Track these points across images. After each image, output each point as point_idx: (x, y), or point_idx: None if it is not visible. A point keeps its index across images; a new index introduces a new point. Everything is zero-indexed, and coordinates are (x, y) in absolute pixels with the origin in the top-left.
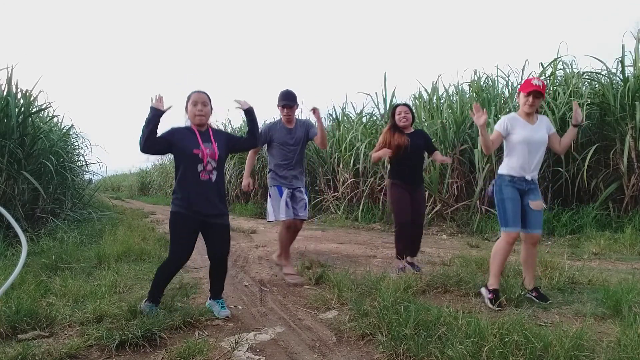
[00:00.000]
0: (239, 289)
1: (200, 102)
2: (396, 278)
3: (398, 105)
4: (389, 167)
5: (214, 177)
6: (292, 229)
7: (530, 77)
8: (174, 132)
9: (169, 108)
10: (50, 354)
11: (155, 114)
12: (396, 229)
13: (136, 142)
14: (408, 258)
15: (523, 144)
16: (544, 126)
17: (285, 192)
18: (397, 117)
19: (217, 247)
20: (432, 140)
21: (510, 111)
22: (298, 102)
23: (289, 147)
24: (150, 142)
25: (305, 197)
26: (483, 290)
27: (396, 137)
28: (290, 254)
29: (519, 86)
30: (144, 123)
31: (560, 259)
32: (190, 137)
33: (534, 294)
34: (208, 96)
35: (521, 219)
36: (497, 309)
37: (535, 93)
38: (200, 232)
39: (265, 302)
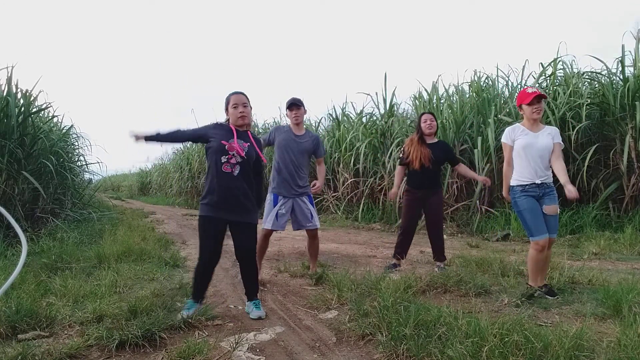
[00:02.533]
0: (239, 288)
1: (241, 104)
2: (396, 278)
3: (424, 113)
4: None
5: (236, 171)
6: (268, 238)
7: (524, 87)
8: (215, 126)
9: (139, 134)
10: (50, 354)
11: (147, 140)
12: (400, 235)
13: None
14: (436, 263)
15: (524, 150)
16: (547, 134)
17: (281, 202)
18: (423, 125)
19: (240, 242)
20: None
21: (510, 111)
22: (305, 107)
23: (293, 153)
24: (175, 142)
25: (311, 206)
26: (537, 294)
27: (420, 149)
28: (263, 262)
29: (516, 101)
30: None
31: (560, 259)
32: (227, 133)
33: (544, 290)
34: (246, 96)
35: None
36: (555, 298)
37: (537, 97)
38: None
39: (265, 302)
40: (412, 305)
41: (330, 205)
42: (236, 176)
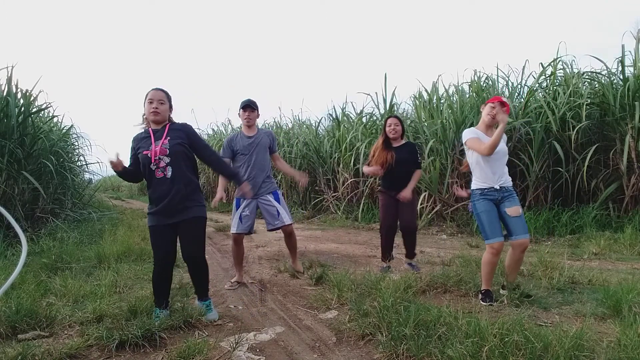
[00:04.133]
0: (239, 289)
1: (156, 100)
2: (396, 278)
3: (389, 117)
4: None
5: (169, 173)
6: (239, 243)
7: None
8: (135, 140)
9: (121, 161)
10: (50, 354)
11: (117, 172)
12: (381, 232)
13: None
14: (406, 260)
15: (481, 155)
16: (503, 140)
17: (243, 204)
18: (387, 128)
19: (184, 248)
20: (420, 154)
21: (510, 111)
22: (259, 112)
23: (245, 156)
24: (130, 177)
25: (276, 203)
26: (480, 296)
27: (383, 153)
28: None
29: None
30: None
31: (560, 259)
32: (145, 140)
33: (484, 294)
34: (166, 93)
35: (505, 228)
36: (489, 304)
37: (501, 103)
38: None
39: (265, 302)
40: (412, 305)
41: (330, 205)
42: (170, 178)
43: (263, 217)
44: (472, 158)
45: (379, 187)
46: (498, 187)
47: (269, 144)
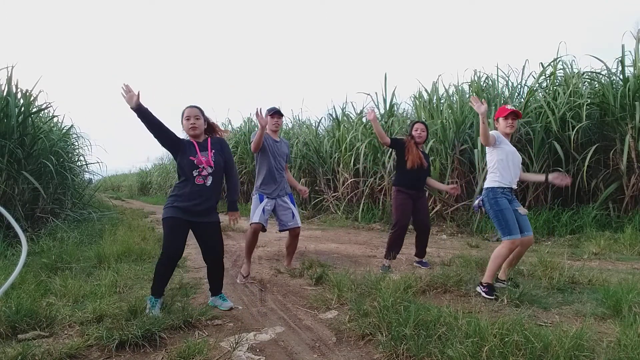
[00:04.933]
0: (239, 289)
1: (193, 116)
2: (396, 278)
3: (417, 122)
4: (394, 173)
5: (209, 182)
6: (257, 233)
7: (503, 104)
8: (183, 141)
9: (139, 93)
10: (50, 354)
11: (135, 110)
12: (396, 230)
13: (136, 142)
14: (417, 259)
15: (510, 157)
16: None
17: (265, 200)
18: (414, 132)
19: (210, 249)
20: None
21: None
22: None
23: (274, 157)
24: (156, 133)
25: (292, 205)
26: (478, 289)
27: (417, 151)
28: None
29: (495, 114)
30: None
31: (560, 259)
32: (190, 147)
33: (508, 283)
34: (201, 110)
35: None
36: (493, 297)
37: (514, 114)
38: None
39: (265, 302)
40: (412, 305)
41: (330, 205)
42: (209, 186)
43: (276, 217)
44: (495, 157)
45: (396, 186)
46: (515, 188)
47: (287, 152)
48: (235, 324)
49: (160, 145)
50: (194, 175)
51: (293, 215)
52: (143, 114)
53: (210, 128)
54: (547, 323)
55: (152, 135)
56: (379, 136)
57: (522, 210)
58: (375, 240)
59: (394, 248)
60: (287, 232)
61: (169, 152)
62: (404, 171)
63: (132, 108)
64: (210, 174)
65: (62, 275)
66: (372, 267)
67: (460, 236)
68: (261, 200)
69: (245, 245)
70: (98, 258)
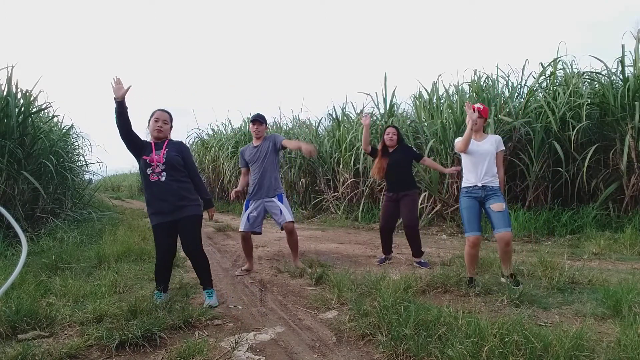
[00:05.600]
0: (239, 289)
1: (162, 120)
2: (396, 278)
3: (388, 126)
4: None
5: (163, 177)
6: (246, 239)
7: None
8: (144, 143)
9: (129, 88)
10: (50, 354)
11: (117, 102)
12: (380, 232)
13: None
14: (414, 259)
15: (467, 156)
16: (489, 142)
17: (252, 206)
18: (385, 137)
19: (186, 243)
20: (422, 149)
21: (509, 111)
22: (266, 124)
23: (257, 161)
24: (125, 132)
25: (279, 203)
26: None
27: (378, 164)
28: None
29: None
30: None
31: (560, 259)
32: (147, 148)
33: (509, 280)
34: (170, 115)
35: (490, 223)
36: (471, 289)
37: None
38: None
39: (265, 302)
40: (412, 305)
41: (330, 205)
42: (163, 182)
43: (271, 218)
44: (463, 161)
45: (383, 191)
46: (480, 185)
47: (272, 146)
48: (235, 324)
49: (126, 147)
50: (148, 173)
51: (280, 212)
52: (122, 109)
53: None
54: (547, 323)
55: (120, 134)
56: (363, 142)
57: (495, 206)
58: (375, 241)
59: (384, 246)
60: (284, 229)
61: (133, 155)
62: (385, 177)
63: (115, 99)
64: (163, 170)
65: (62, 275)
66: (372, 267)
67: (460, 236)
68: (246, 207)
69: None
70: (98, 258)
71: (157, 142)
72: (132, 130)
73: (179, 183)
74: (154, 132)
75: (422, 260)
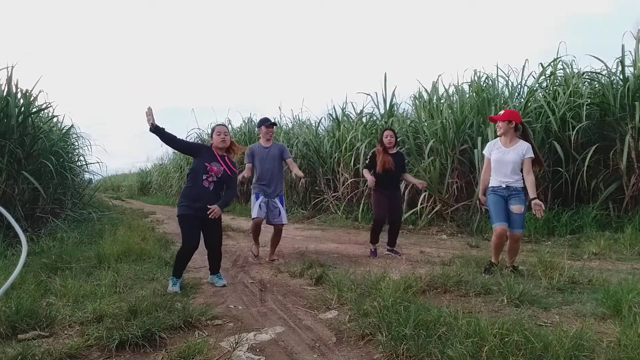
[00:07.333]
0: (239, 289)
1: (223, 132)
2: (396, 278)
3: (386, 129)
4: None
5: (211, 187)
6: (259, 224)
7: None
8: (203, 147)
9: (151, 112)
10: (50, 354)
11: (152, 130)
12: (373, 223)
13: (137, 143)
14: (388, 247)
15: (494, 162)
16: (515, 152)
17: (261, 198)
18: (384, 139)
19: (211, 238)
20: (409, 160)
21: None
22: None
23: (266, 162)
24: (172, 145)
25: (280, 205)
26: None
27: (386, 157)
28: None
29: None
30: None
31: (560, 259)
32: (210, 155)
33: (510, 269)
34: (227, 128)
35: (507, 219)
36: (487, 275)
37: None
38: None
39: (265, 302)
40: (412, 305)
41: (330, 205)
42: (211, 190)
43: (267, 213)
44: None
45: (374, 188)
46: (505, 186)
47: (279, 154)
48: (235, 324)
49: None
50: (203, 177)
51: (279, 213)
52: (158, 132)
53: (231, 144)
54: (547, 323)
55: (169, 147)
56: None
57: (513, 208)
58: None
59: (374, 236)
60: (274, 227)
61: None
62: (377, 175)
63: (150, 129)
64: (214, 181)
65: (62, 275)
66: (372, 267)
67: (460, 236)
68: (257, 198)
69: (252, 235)
70: (98, 258)
71: (220, 153)
72: (178, 140)
73: (219, 193)
74: (219, 143)
75: (396, 249)
